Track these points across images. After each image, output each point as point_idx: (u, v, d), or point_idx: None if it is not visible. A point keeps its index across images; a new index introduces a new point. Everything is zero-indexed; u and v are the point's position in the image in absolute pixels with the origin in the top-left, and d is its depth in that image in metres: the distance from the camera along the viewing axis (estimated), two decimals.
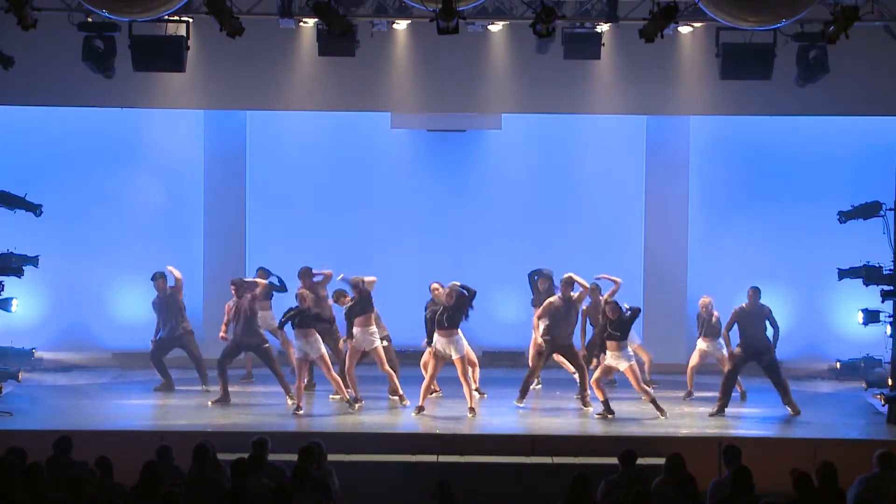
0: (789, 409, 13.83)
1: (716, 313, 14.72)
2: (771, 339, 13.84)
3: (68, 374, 16.62)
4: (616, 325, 13.51)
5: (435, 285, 14.44)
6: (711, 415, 13.73)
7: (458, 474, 11.54)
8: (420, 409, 13.68)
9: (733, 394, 14.08)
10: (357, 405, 13.82)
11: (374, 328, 14.09)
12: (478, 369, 14.94)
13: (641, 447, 10.83)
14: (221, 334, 14.50)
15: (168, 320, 15.04)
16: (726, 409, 13.97)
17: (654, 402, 13.61)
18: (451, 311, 13.63)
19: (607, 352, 13.65)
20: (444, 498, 8.80)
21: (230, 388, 14.36)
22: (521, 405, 14.12)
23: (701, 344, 14.87)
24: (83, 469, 9.48)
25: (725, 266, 16.88)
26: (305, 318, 13.69)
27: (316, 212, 17.69)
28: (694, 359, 14.96)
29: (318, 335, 13.80)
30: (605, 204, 17.65)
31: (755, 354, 13.90)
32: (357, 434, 12.88)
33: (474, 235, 17.68)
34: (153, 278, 15.09)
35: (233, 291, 14.44)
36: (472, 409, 13.62)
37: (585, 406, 13.99)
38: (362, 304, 14.04)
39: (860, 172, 16.72)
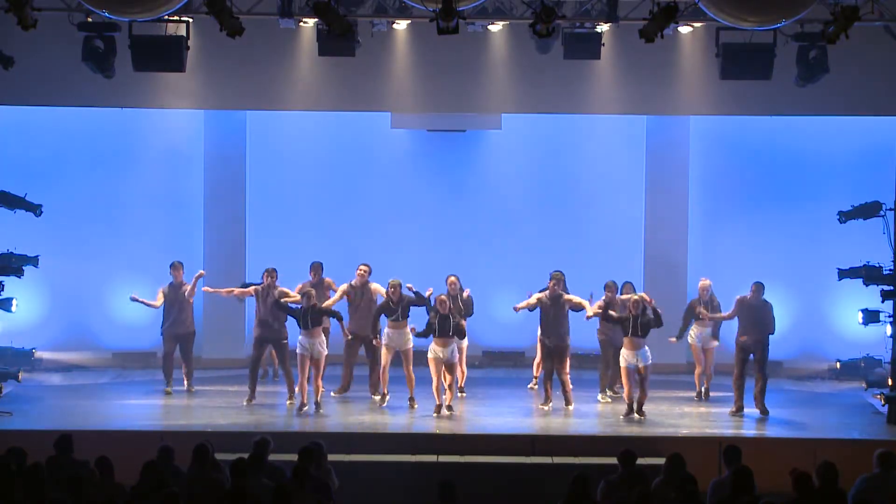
0: (757, 406, 13.75)
1: (716, 298, 14.67)
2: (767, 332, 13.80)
3: (68, 374, 16.62)
4: (638, 323, 13.48)
5: (452, 279, 14.44)
6: (732, 413, 13.75)
7: (458, 474, 11.51)
8: (439, 407, 13.65)
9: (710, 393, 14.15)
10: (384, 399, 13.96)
11: (407, 329, 14.07)
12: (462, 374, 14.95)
13: (641, 447, 10.83)
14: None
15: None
16: (727, 410, 14.01)
17: (640, 404, 13.54)
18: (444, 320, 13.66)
19: (623, 350, 13.62)
20: (446, 498, 8.79)
21: (230, 388, 14.34)
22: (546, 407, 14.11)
23: (694, 330, 14.75)
24: (83, 469, 9.47)
25: (725, 266, 16.86)
26: (312, 317, 13.68)
27: (316, 212, 17.70)
28: (698, 360, 14.87)
29: (323, 335, 13.80)
30: (606, 204, 17.66)
31: (754, 344, 13.79)
32: (357, 434, 12.87)
33: (474, 235, 17.69)
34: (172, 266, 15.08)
35: (265, 278, 14.41)
36: (440, 408, 13.61)
37: (567, 404, 14.01)
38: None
39: (860, 172, 16.74)
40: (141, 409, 14.16)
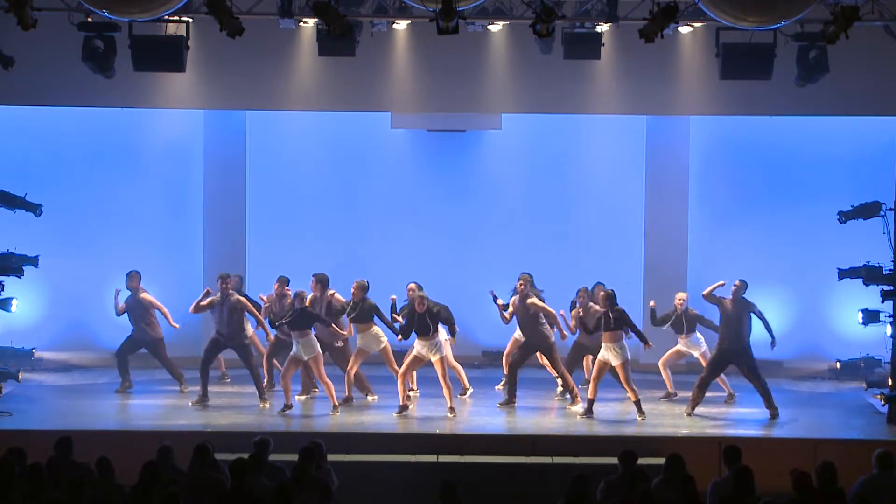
0: (770, 411, 13.73)
1: (692, 310, 14.67)
2: (748, 338, 13.72)
3: (68, 374, 16.63)
4: (611, 318, 13.48)
5: (412, 286, 14.40)
6: (688, 414, 13.72)
7: (458, 474, 11.52)
8: (403, 408, 13.68)
9: (707, 393, 14.02)
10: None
11: (378, 330, 14.15)
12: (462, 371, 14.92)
13: (641, 447, 10.84)
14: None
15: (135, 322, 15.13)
16: (727, 410, 14.03)
17: (637, 403, 13.56)
18: (422, 319, 13.65)
19: (603, 344, 13.63)
20: (447, 498, 8.78)
21: (229, 388, 14.29)
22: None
23: (679, 343, 14.77)
24: (84, 470, 9.47)
25: (725, 266, 16.81)
26: (303, 318, 13.68)
27: (316, 212, 17.70)
28: (666, 355, 14.85)
29: (313, 336, 13.79)
30: (605, 204, 17.65)
31: (734, 355, 13.78)
32: (357, 434, 12.88)
33: (474, 235, 17.68)
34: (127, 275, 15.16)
35: (220, 285, 14.38)
36: (451, 409, 13.61)
37: (574, 404, 13.98)
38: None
39: (860, 172, 16.72)
40: (141, 409, 14.18)
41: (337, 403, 13.72)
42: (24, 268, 14.27)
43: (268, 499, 8.66)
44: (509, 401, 14.11)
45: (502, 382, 14.76)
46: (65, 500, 8.65)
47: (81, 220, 17.38)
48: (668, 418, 13.68)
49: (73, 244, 17.25)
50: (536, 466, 12.21)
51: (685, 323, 14.61)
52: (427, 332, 13.63)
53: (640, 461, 9.81)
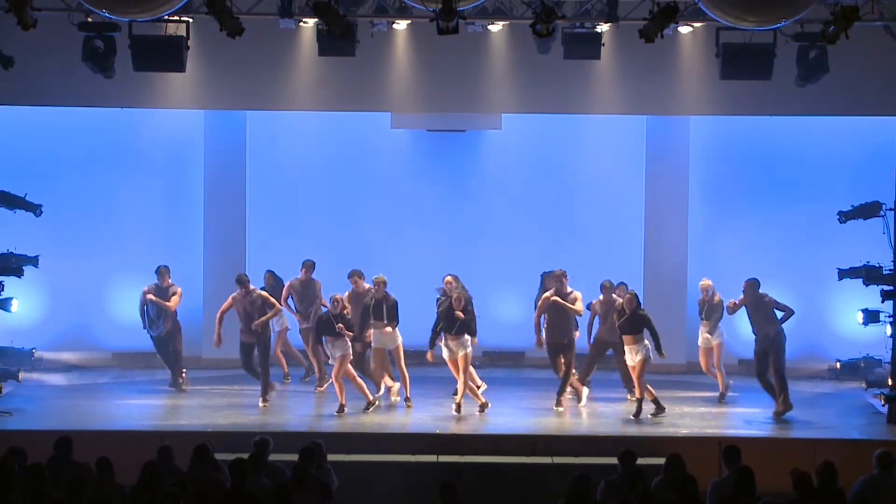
0: (777, 406, 13.73)
1: (717, 296, 14.65)
2: (774, 331, 13.74)
3: (68, 374, 16.62)
4: (631, 320, 13.50)
5: (448, 278, 14.39)
6: (776, 413, 13.67)
7: (458, 474, 11.55)
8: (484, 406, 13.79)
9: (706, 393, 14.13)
10: (373, 405, 13.78)
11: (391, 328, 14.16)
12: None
13: (641, 447, 10.85)
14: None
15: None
16: (727, 410, 14.04)
17: (639, 402, 13.58)
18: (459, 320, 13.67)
19: (626, 347, 13.64)
20: (447, 498, 8.78)
21: (230, 388, 14.31)
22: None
23: (702, 329, 14.76)
24: (84, 470, 9.47)
25: (725, 266, 16.84)
26: (331, 322, 13.69)
27: (316, 212, 17.69)
28: (703, 357, 14.84)
29: (346, 337, 13.76)
30: (605, 204, 17.64)
31: (765, 347, 13.78)
32: (357, 434, 12.89)
33: (474, 235, 17.68)
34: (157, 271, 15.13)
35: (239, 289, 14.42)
36: (458, 407, 13.66)
37: (557, 406, 14.00)
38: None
39: (860, 172, 16.72)
40: (141, 409, 14.17)
41: (344, 404, 13.70)
42: (24, 268, 14.28)
43: (267, 499, 8.66)
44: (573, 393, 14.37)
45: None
46: (65, 500, 8.65)
47: (81, 220, 17.37)
48: (669, 418, 13.68)
49: (73, 244, 17.24)
50: (536, 466, 12.21)
51: (705, 308, 14.62)
52: (465, 329, 13.68)
53: (640, 461, 9.82)
